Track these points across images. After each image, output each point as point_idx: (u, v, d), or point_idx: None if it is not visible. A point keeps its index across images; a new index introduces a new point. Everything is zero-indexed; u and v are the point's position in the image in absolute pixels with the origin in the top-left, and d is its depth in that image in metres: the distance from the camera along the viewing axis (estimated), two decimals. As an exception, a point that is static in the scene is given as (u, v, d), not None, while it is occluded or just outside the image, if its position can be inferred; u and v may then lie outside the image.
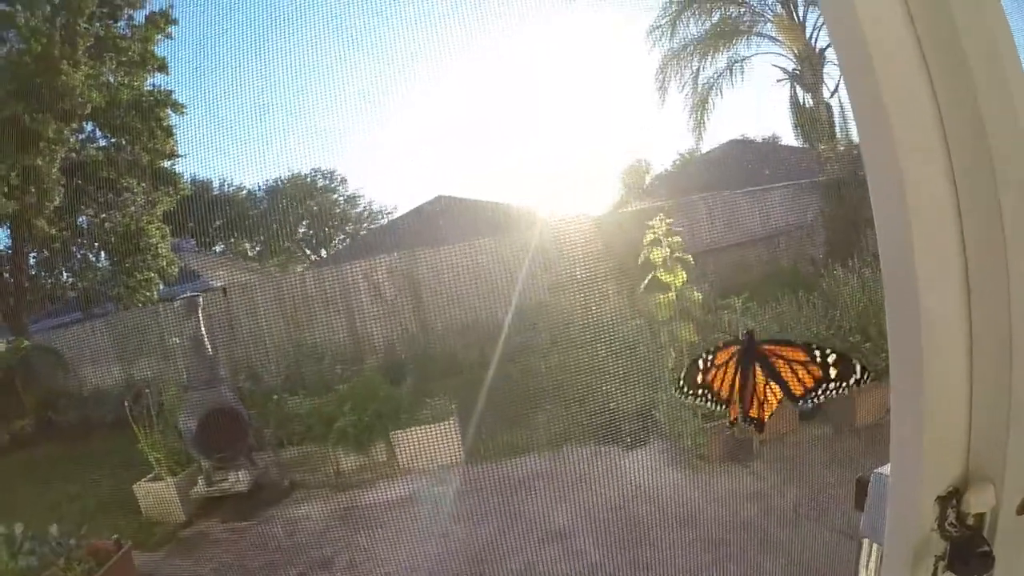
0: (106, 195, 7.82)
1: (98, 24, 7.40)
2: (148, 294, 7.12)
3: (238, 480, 4.57)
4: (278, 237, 7.41)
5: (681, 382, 1.10)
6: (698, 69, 5.67)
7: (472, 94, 4.06)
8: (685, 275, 3.90)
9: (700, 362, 1.10)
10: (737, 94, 5.58)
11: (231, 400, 4.71)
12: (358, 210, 9.05)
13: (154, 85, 7.46)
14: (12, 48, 6.72)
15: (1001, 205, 0.62)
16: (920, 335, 0.66)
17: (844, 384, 1.00)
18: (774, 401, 1.08)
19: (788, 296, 4.73)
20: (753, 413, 1.11)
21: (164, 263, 7.05)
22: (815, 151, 5.45)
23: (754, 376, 1.09)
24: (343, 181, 9.03)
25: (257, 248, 7.89)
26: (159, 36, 7.64)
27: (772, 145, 6.00)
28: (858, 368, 0.98)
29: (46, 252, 7.95)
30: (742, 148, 5.64)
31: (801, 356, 1.04)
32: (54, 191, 6.91)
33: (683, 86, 5.67)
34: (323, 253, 8.79)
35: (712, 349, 1.11)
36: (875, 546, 0.85)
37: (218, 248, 7.81)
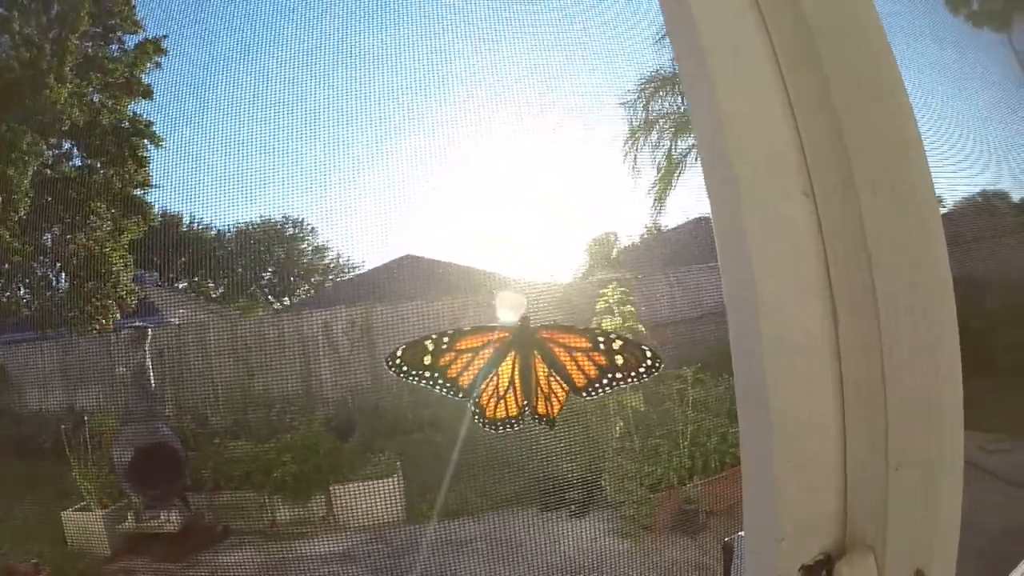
0: (74, 216, 7.71)
1: (89, 43, 7.46)
2: (104, 321, 6.94)
3: (169, 520, 4.40)
4: (243, 281, 7.32)
5: (398, 358, 0.94)
6: (669, 147, 5.89)
7: (450, 156, 4.18)
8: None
9: (429, 342, 0.94)
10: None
11: (169, 437, 4.59)
12: (325, 262, 9.02)
13: (135, 113, 7.47)
14: (1, 54, 6.74)
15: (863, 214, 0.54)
16: (763, 360, 0.55)
17: (633, 373, 0.92)
18: (561, 394, 0.98)
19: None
20: (540, 410, 1.00)
21: (124, 292, 6.90)
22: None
23: (535, 368, 0.98)
24: (313, 231, 9.04)
25: (220, 290, 7.79)
26: (148, 64, 7.71)
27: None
28: (648, 355, 0.91)
29: (6, 265, 7.76)
30: (707, 226, 5.81)
31: (583, 343, 0.94)
32: (21, 203, 6.80)
33: (654, 162, 5.88)
34: (286, 301, 8.70)
35: (452, 332, 0.96)
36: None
37: (181, 285, 7.69)
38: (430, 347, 0.94)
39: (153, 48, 7.69)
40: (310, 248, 9.05)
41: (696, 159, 5.78)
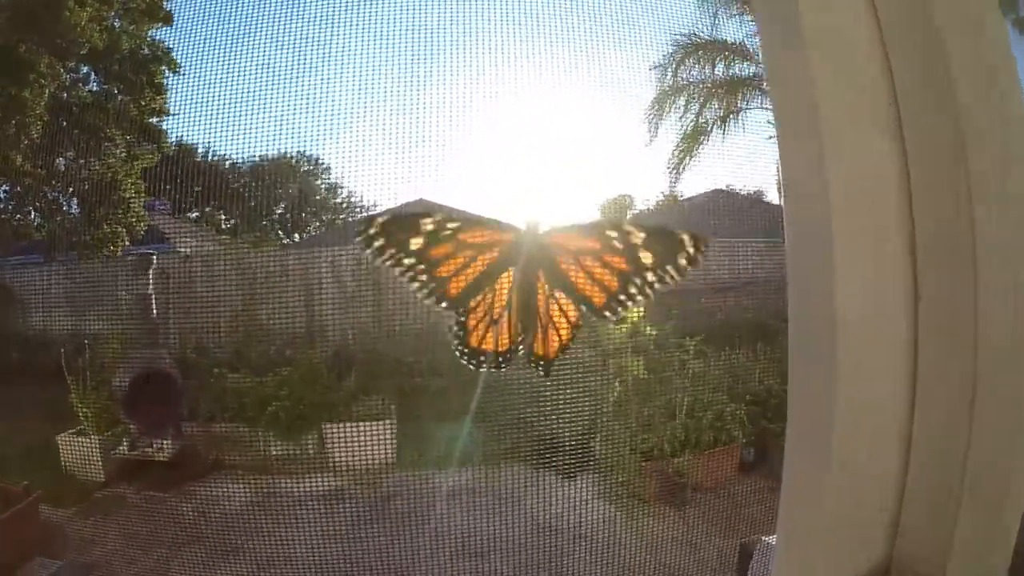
0: (88, 141, 7.65)
1: (111, -34, 7.31)
2: (113, 248, 6.95)
3: (162, 448, 4.44)
4: (254, 215, 7.28)
5: (377, 227, 0.73)
6: (695, 114, 5.73)
7: (468, 104, 4.06)
8: (643, 310, 3.89)
9: (430, 222, 0.72)
10: (727, 145, 5.62)
11: (168, 366, 4.61)
12: (338, 200, 8.94)
13: (154, 38, 7.35)
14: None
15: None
16: (835, 344, 0.46)
17: (669, 268, 0.69)
18: (564, 324, 0.78)
19: (746, 346, 4.74)
20: (538, 350, 0.79)
21: (134, 220, 6.88)
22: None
23: (539, 289, 0.77)
24: (327, 169, 8.93)
25: (232, 222, 7.75)
26: (169, -10, 7.54)
27: (754, 200, 6.05)
28: (685, 240, 0.68)
29: (18, 188, 7.77)
30: (725, 198, 5.69)
31: (593, 245, 0.73)
32: (35, 126, 6.76)
33: (677, 127, 5.72)
34: (296, 238, 8.66)
35: (465, 218, 0.76)
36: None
37: (192, 215, 7.66)
38: (428, 228, 0.73)
39: (176, -26, 7.51)
40: (323, 186, 9.01)
41: (721, 128, 5.65)
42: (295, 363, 4.49)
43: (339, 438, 4.13)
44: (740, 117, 5.79)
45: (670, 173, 5.64)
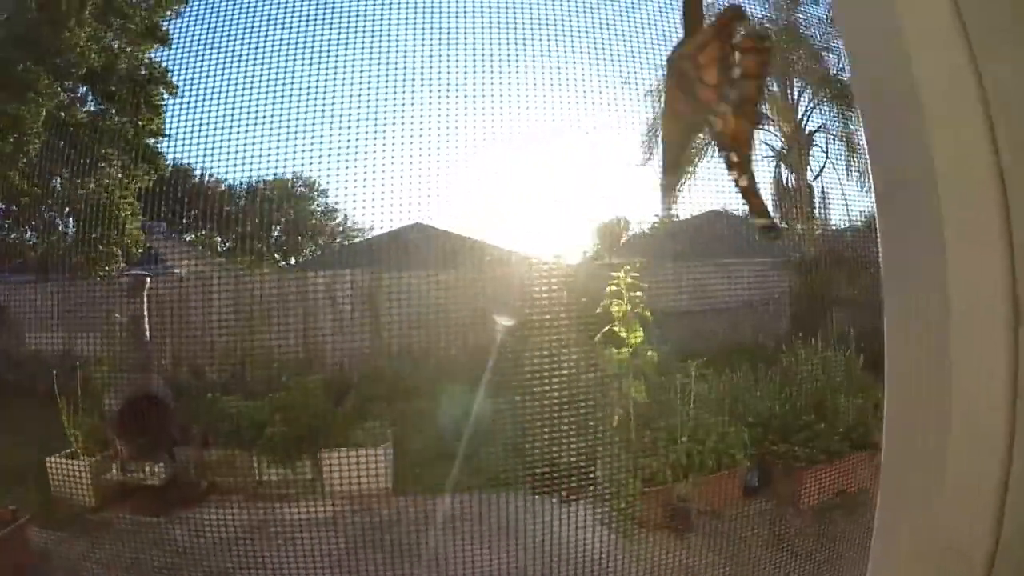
0: (85, 161, 7.63)
1: (112, -13, 7.35)
2: (108, 268, 6.91)
3: (154, 472, 4.36)
4: (250, 237, 7.26)
5: None
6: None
7: (466, 127, 4.06)
8: (643, 333, 3.86)
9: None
10: (723, 165, 5.62)
11: (161, 389, 4.55)
12: (334, 223, 8.95)
13: (151, 59, 7.37)
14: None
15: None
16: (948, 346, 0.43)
17: None
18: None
19: (746, 367, 4.72)
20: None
21: (129, 241, 6.84)
22: (791, 231, 5.55)
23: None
24: (323, 192, 8.96)
25: (228, 244, 7.73)
26: (168, 12, 7.58)
27: (749, 220, 6.05)
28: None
29: (14, 207, 7.74)
30: (720, 219, 5.70)
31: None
32: (32, 144, 6.74)
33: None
34: (292, 261, 8.65)
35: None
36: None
37: (188, 237, 7.63)
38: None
39: (176, -3, 7.55)
40: (319, 209, 9.02)
41: (713, 152, 5.64)
42: (291, 387, 4.44)
43: (335, 463, 4.06)
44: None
45: (666, 197, 5.62)
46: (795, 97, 6.29)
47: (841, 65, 6.11)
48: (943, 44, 0.46)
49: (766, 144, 6.40)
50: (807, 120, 6.30)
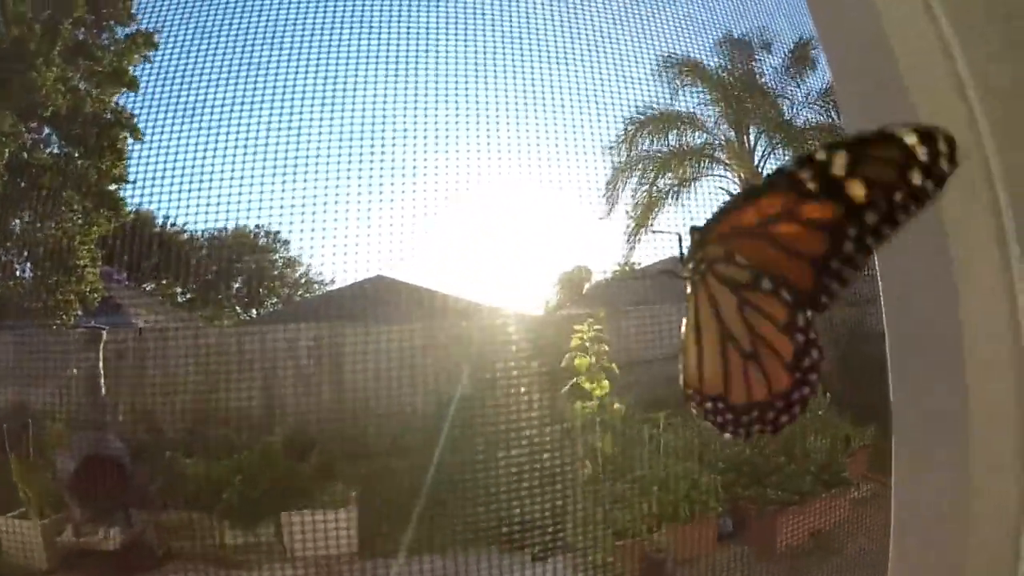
0: (46, 204, 7.47)
1: (82, 29, 7.32)
2: (65, 317, 6.71)
3: (109, 536, 4.17)
4: (211, 289, 7.16)
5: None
6: (648, 186, 5.91)
7: (428, 180, 4.12)
8: (609, 385, 3.87)
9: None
10: (681, 212, 5.80)
11: (117, 448, 4.40)
12: (296, 275, 8.91)
13: (119, 104, 7.31)
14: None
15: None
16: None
17: (899, 194, 0.45)
18: (772, 338, 0.51)
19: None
20: (735, 396, 0.53)
21: (87, 288, 6.67)
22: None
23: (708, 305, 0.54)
24: (285, 244, 8.92)
25: (188, 295, 7.61)
26: (137, 57, 7.55)
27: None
28: (941, 142, 0.44)
29: (-30, 250, 7.51)
30: (680, 265, 5.79)
31: (774, 205, 0.49)
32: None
33: (631, 200, 5.88)
34: (253, 313, 8.54)
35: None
36: None
37: (148, 287, 7.48)
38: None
39: (144, 41, 7.54)
40: (281, 260, 8.94)
41: (674, 198, 5.82)
42: (251, 446, 4.32)
43: (298, 526, 3.94)
44: (692, 186, 6.01)
45: (626, 245, 5.78)
46: (752, 142, 6.50)
47: (795, 110, 6.39)
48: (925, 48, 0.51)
49: (723, 190, 6.58)
50: (764, 165, 6.50)
